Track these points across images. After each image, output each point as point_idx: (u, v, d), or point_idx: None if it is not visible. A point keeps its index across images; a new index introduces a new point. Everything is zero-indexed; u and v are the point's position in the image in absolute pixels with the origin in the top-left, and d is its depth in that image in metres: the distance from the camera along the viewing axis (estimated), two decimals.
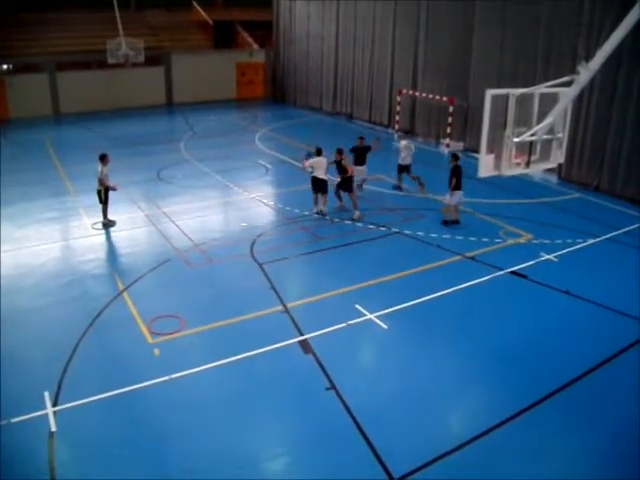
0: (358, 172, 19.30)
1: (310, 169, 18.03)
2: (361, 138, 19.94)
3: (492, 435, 9.04)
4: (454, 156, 17.61)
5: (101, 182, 17.36)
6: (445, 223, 17.55)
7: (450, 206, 17.45)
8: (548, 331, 12.11)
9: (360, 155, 19.58)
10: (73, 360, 10.92)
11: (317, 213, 18.40)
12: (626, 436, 9.06)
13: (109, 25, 36.36)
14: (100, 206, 17.71)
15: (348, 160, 18.58)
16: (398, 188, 21.16)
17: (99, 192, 17.54)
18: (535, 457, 8.63)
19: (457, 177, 17.14)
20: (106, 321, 12.37)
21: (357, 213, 18.02)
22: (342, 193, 18.58)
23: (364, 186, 20.50)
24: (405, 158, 20.56)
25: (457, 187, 17.14)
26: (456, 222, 17.50)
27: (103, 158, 17.41)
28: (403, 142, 20.73)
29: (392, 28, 31.60)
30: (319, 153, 18.21)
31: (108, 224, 17.68)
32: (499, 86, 20.34)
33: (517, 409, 9.58)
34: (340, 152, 18.18)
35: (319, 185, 18.13)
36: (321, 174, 17.94)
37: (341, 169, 18.14)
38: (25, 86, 37.06)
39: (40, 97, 37.78)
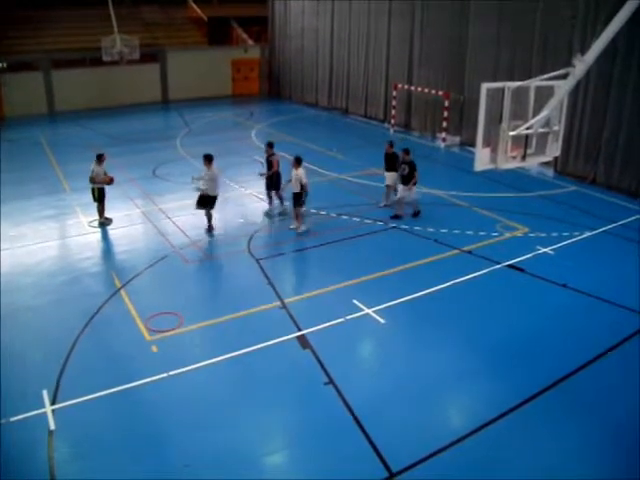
0: (388, 178, 18.38)
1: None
2: (390, 144, 18.52)
3: (490, 429, 9.06)
4: (406, 150, 17.40)
5: (93, 181, 17.31)
6: (397, 217, 17.56)
7: (403, 202, 17.52)
8: (546, 324, 12.13)
9: (389, 161, 18.27)
10: (71, 358, 10.91)
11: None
12: (627, 427, 9.07)
13: (103, 22, 36.23)
14: (95, 205, 17.67)
15: (277, 156, 18.23)
16: None
17: (93, 190, 17.51)
18: (534, 450, 8.64)
19: (415, 171, 17.12)
20: (104, 319, 12.37)
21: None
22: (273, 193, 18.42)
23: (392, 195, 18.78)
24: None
25: (415, 182, 17.26)
26: (403, 215, 17.61)
27: (99, 157, 17.38)
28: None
29: (387, 22, 31.56)
30: (299, 163, 16.61)
31: (105, 222, 17.65)
32: (495, 80, 20.32)
33: (515, 402, 9.61)
34: (270, 146, 18.09)
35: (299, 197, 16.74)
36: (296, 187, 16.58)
37: (269, 165, 17.89)
38: (20, 84, 36.87)
39: (35, 95, 37.63)
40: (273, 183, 18.16)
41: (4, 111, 36.84)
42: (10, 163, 25.63)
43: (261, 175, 18.60)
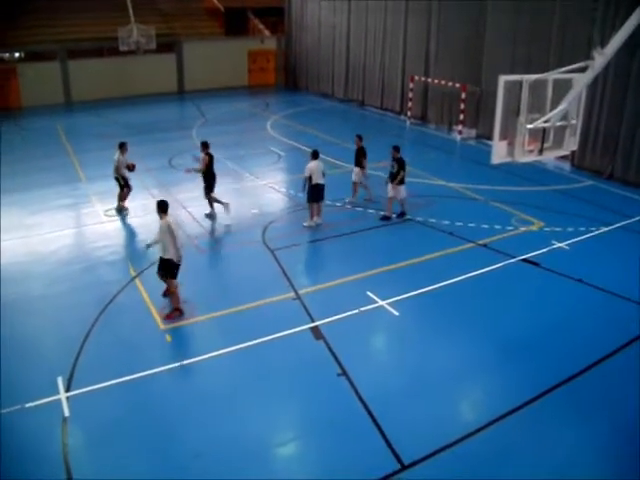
0: (354, 174, 18.24)
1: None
2: (359, 138, 18.23)
3: (503, 423, 9.03)
4: (396, 148, 16.61)
5: (117, 170, 17.45)
6: (386, 218, 16.98)
7: (393, 201, 16.83)
8: (560, 319, 12.06)
9: (356, 156, 18.05)
10: (86, 346, 10.98)
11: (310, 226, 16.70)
12: (638, 427, 8.97)
13: (120, 12, 36.31)
14: (118, 191, 17.87)
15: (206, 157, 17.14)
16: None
17: (117, 179, 17.66)
18: (543, 447, 8.60)
19: (402, 169, 16.44)
20: (118, 307, 12.44)
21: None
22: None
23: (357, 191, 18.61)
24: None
25: (402, 181, 16.56)
26: (391, 216, 17.05)
27: (122, 146, 17.49)
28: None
29: (404, 13, 31.38)
30: (316, 156, 16.34)
31: (122, 210, 17.74)
32: (512, 72, 20.15)
33: (526, 398, 9.56)
34: (204, 146, 17.05)
35: (321, 193, 16.45)
36: (322, 179, 16.24)
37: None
38: (37, 74, 37.08)
39: (52, 85, 37.86)
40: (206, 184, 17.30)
41: (21, 101, 37.04)
42: (27, 152, 25.83)
43: (187, 172, 17.95)
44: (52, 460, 8.31)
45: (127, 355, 10.82)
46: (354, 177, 18.21)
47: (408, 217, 17.01)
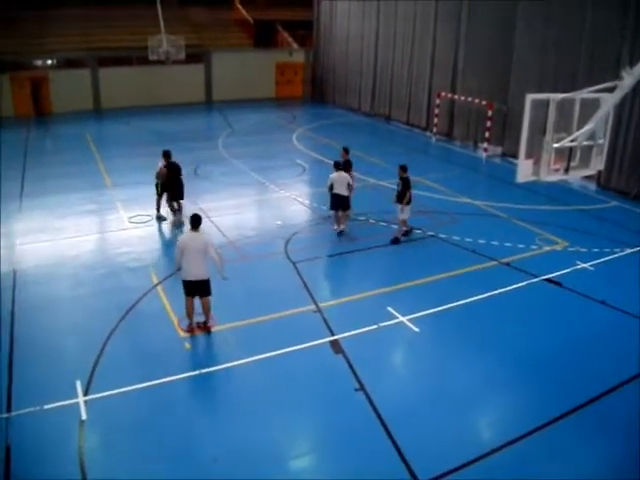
0: None
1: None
2: (345, 150, 18.06)
3: (519, 445, 8.90)
4: (403, 167, 16.15)
5: (158, 176, 17.64)
6: (396, 241, 16.51)
7: (402, 221, 16.43)
8: (582, 341, 11.90)
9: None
10: (105, 351, 11.06)
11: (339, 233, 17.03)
12: None
13: (151, 22, 36.65)
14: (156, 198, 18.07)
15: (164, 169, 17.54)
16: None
17: (156, 185, 17.84)
18: (562, 470, 8.48)
19: (408, 189, 16.07)
20: (139, 314, 12.52)
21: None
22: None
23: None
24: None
25: (409, 201, 16.19)
26: (408, 233, 16.81)
27: (165, 154, 17.69)
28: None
29: (432, 29, 31.38)
30: (338, 167, 16.74)
31: (160, 217, 17.95)
32: (540, 90, 20.03)
33: (546, 419, 9.43)
34: (165, 156, 17.46)
35: (341, 202, 16.74)
36: (343, 190, 16.48)
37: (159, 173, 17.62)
38: (67, 81, 37.63)
39: (82, 92, 38.36)
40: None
41: (52, 107, 37.55)
42: (56, 157, 26.18)
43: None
44: (68, 462, 8.36)
45: (146, 361, 10.87)
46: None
47: (430, 234, 16.94)
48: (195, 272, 11.34)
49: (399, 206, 16.13)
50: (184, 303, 11.77)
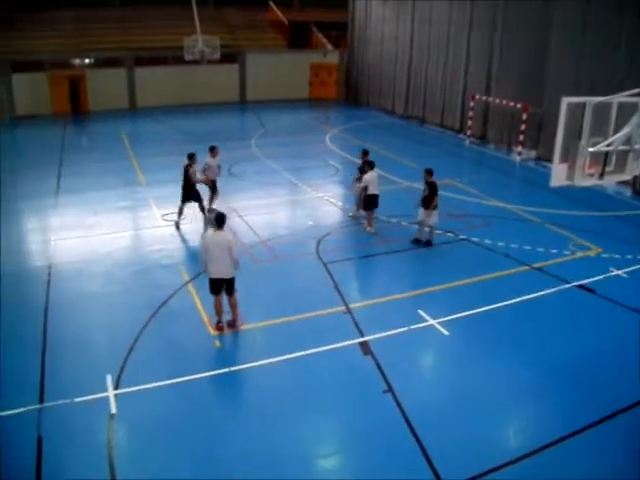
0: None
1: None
2: (364, 152, 18.17)
3: (545, 453, 8.77)
4: (429, 171, 15.92)
5: (203, 173, 17.76)
6: (417, 241, 16.46)
7: (423, 225, 16.24)
8: (614, 349, 11.67)
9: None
10: (136, 346, 11.15)
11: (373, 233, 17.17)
12: None
13: (186, 22, 36.99)
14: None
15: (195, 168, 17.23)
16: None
17: (206, 183, 17.99)
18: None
19: (435, 194, 15.84)
20: (170, 311, 12.61)
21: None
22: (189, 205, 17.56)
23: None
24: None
25: (436, 206, 15.90)
26: (428, 244, 16.39)
27: (212, 150, 17.90)
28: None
29: (467, 32, 31.20)
30: (372, 166, 16.83)
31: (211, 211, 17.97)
32: (575, 94, 19.77)
33: (573, 428, 9.26)
34: (190, 157, 17.05)
35: (375, 202, 17.00)
36: (377, 190, 16.81)
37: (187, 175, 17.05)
38: (104, 80, 38.16)
39: (118, 91, 38.87)
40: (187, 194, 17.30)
41: (89, 105, 38.05)
42: (91, 154, 26.52)
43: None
44: (97, 454, 8.46)
45: (176, 358, 10.93)
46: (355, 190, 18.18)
47: (462, 237, 16.81)
48: (220, 270, 11.38)
49: (424, 211, 15.90)
50: (213, 302, 11.83)
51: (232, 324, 11.96)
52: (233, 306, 11.88)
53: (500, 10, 28.65)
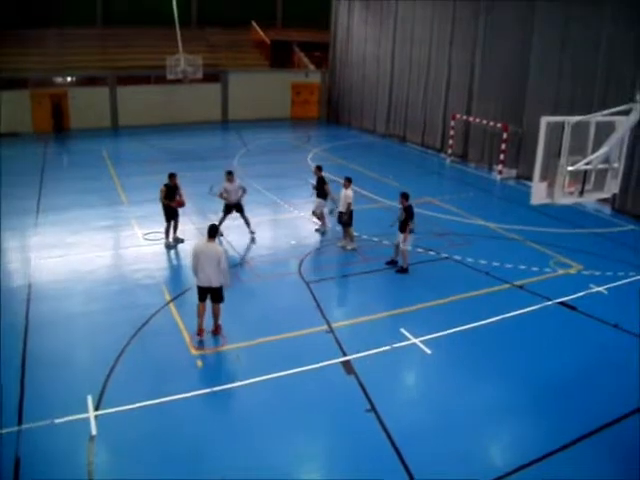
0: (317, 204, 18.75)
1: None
2: (318, 168, 18.90)
3: (531, 469, 8.82)
4: (404, 195, 15.69)
5: (221, 196, 17.92)
6: (392, 263, 16.31)
7: (404, 250, 15.82)
8: (595, 365, 11.83)
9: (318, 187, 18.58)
10: (117, 366, 11.08)
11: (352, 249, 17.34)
12: None
13: (169, 41, 37.12)
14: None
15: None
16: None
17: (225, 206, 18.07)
18: None
19: (410, 219, 15.52)
20: (152, 330, 12.55)
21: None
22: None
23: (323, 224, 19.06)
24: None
25: (412, 230, 15.72)
26: (396, 263, 16.25)
27: (228, 174, 18.04)
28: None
29: (448, 52, 31.56)
30: (349, 183, 17.09)
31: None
32: (555, 112, 20.04)
33: (558, 445, 9.34)
34: (171, 176, 17.32)
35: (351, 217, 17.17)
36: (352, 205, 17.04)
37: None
38: (86, 98, 38.08)
39: (100, 109, 38.76)
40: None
41: (70, 123, 37.94)
42: (73, 173, 26.41)
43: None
44: (76, 477, 8.37)
45: (158, 378, 10.88)
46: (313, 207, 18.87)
47: (444, 255, 16.90)
48: (207, 279, 11.83)
49: (401, 235, 15.69)
50: (196, 310, 12.17)
51: (215, 331, 12.27)
52: (215, 314, 12.21)
53: (480, 32, 29.02)
